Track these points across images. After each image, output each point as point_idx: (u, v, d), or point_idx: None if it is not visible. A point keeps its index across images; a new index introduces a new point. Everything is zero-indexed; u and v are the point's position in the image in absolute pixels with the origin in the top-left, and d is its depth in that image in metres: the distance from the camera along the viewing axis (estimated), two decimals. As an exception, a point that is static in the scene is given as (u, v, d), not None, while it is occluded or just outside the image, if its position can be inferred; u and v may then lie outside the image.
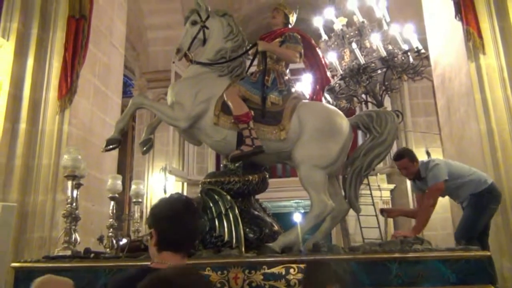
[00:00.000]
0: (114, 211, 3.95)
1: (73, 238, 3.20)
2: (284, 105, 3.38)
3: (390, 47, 5.59)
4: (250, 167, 3.51)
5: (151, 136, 3.73)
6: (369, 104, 6.18)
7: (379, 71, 5.68)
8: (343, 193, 3.51)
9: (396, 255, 2.61)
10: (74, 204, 3.23)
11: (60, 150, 5.10)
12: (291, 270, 2.68)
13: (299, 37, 3.63)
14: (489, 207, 3.93)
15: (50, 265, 2.91)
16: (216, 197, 3.24)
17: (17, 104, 5.14)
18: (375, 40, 5.33)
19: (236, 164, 3.45)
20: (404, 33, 5.46)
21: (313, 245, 3.21)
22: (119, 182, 4.09)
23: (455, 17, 4.86)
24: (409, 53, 5.36)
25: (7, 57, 5.16)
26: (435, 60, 5.79)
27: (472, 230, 3.84)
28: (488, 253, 2.56)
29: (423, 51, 5.54)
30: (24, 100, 5.17)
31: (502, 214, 4.37)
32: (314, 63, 3.79)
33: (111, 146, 3.49)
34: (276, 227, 3.50)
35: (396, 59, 5.39)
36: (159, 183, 10.65)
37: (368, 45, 5.69)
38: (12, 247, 4.76)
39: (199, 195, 3.36)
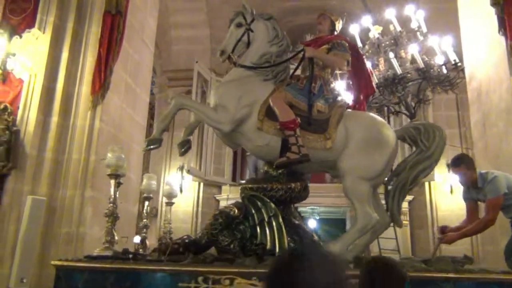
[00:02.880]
0: (148, 211, 3.89)
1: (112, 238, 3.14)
2: (330, 113, 3.33)
3: (425, 58, 5.50)
4: (290, 174, 3.45)
5: (189, 138, 3.69)
6: (401, 115, 6.10)
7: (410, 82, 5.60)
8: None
9: (451, 275, 2.53)
10: (115, 203, 3.19)
11: (90, 146, 5.08)
12: (341, 284, 2.60)
13: (347, 44, 3.58)
14: None
15: (92, 265, 2.87)
16: (259, 203, 3.19)
17: (50, 97, 5.12)
18: (412, 50, 5.26)
19: (279, 171, 3.39)
20: (442, 45, 5.38)
21: (353, 259, 3.15)
22: (154, 182, 4.05)
23: (498, 32, 4.76)
24: (446, 65, 5.27)
25: (42, 50, 5.15)
26: (471, 73, 5.69)
27: None
28: (548, 278, 2.48)
29: (459, 64, 5.47)
30: (57, 93, 5.14)
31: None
32: (359, 71, 3.72)
33: (152, 146, 3.45)
34: (315, 237, 3.44)
35: (432, 70, 5.31)
36: (175, 182, 10.64)
37: (403, 55, 5.61)
38: (39, 242, 4.72)
39: (241, 200, 3.32)
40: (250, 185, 3.40)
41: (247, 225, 3.19)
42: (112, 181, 3.17)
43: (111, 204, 3.17)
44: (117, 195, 3.26)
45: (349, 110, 3.52)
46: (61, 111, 5.12)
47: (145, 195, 4.00)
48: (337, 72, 3.80)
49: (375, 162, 3.20)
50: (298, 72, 3.67)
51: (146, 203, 3.95)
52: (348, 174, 3.19)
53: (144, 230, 3.82)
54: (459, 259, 2.87)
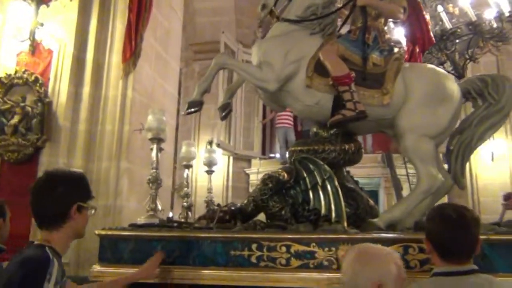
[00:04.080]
0: (189, 180, 3.70)
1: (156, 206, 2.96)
2: (386, 66, 3.03)
3: (475, 11, 5.08)
4: (342, 135, 3.18)
5: (230, 101, 3.45)
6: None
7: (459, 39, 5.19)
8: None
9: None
10: (158, 169, 2.99)
11: (123, 116, 4.92)
12: (410, 250, 2.37)
13: (403, -10, 3.23)
14: None
15: (138, 233, 2.70)
16: (311, 166, 2.93)
17: (81, 67, 4.95)
18: (463, 2, 4.83)
19: (331, 132, 3.13)
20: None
21: (414, 224, 2.89)
22: (194, 149, 3.84)
23: None
24: (500, 17, 4.84)
25: (70, 18, 4.96)
26: (526, 27, 5.24)
27: None
28: None
29: (508, 15, 5.01)
30: (87, 63, 4.97)
31: None
32: (415, 21, 3.38)
33: (192, 109, 3.22)
34: (371, 202, 3.19)
35: (484, 24, 4.89)
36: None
37: (450, 9, 5.19)
38: (77, 215, 4.63)
39: (290, 164, 3.09)
40: (299, 148, 3.14)
41: (298, 190, 2.95)
42: (154, 146, 2.96)
43: (154, 170, 2.97)
44: (158, 161, 3.06)
45: (409, 63, 3.20)
46: (93, 81, 4.95)
47: (185, 163, 3.82)
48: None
49: (439, 118, 2.91)
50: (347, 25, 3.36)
51: (186, 171, 3.76)
52: (409, 133, 2.90)
53: (186, 199, 3.65)
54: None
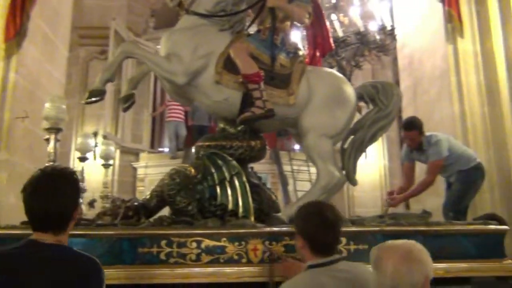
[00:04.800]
0: (84, 174, 3.47)
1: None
2: (292, 68, 3.18)
3: (363, 22, 5.55)
4: (247, 132, 3.25)
5: (133, 92, 3.31)
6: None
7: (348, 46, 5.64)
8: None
9: (422, 228, 2.57)
10: (55, 162, 2.75)
11: (4, 102, 4.40)
12: (314, 242, 2.52)
13: (310, -4, 3.40)
14: (477, 183, 4.11)
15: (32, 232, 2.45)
16: (219, 162, 2.96)
17: (-49, 43, 4.33)
18: (354, 13, 5.25)
19: (238, 128, 3.18)
20: (380, 10, 5.45)
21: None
22: (91, 141, 3.60)
23: (437, -2, 4.90)
24: (383, 30, 5.36)
25: None
26: (403, 41, 5.86)
27: (461, 204, 4.01)
28: (507, 228, 2.62)
29: (389, 29, 5.58)
30: (-40, 39, 4.36)
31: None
32: (317, 27, 3.58)
33: (93, 99, 3.03)
34: (273, 197, 3.32)
35: (369, 35, 5.37)
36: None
37: (342, 19, 5.61)
38: None
39: (198, 160, 3.07)
40: (207, 143, 3.14)
41: (206, 185, 2.95)
42: (52, 136, 2.72)
43: (51, 163, 2.73)
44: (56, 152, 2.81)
45: (312, 66, 3.38)
46: (-35, 61, 4.36)
47: (80, 155, 3.55)
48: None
49: (338, 119, 3.14)
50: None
51: (82, 164, 3.51)
52: (311, 132, 3.08)
53: (81, 195, 3.40)
54: (419, 214, 2.93)
